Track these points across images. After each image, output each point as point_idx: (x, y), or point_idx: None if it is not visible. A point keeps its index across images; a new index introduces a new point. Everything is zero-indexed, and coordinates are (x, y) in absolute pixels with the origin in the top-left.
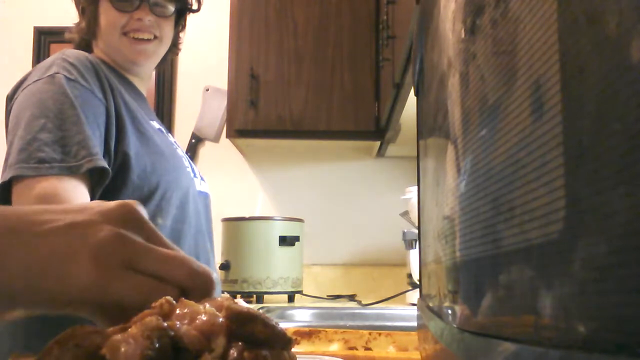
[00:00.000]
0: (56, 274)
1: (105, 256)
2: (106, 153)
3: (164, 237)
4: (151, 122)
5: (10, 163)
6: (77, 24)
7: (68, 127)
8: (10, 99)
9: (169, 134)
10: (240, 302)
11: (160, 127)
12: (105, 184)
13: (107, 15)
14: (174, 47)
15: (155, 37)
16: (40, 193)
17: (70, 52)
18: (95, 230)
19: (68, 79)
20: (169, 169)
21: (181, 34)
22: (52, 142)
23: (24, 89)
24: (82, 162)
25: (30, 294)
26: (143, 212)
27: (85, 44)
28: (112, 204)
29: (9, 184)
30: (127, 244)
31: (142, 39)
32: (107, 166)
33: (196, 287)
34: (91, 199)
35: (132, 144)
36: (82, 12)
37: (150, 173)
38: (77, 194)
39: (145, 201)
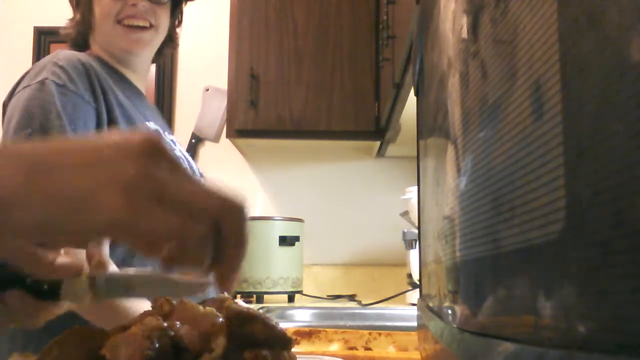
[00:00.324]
0: (86, 205)
1: (136, 190)
2: None
3: (185, 168)
4: (148, 123)
5: None
6: (72, 19)
7: (55, 134)
8: (5, 105)
9: (169, 134)
10: (240, 302)
11: (157, 128)
12: None
13: (101, 3)
14: (171, 41)
15: (151, 25)
16: None
17: (63, 55)
18: (122, 168)
19: (57, 84)
20: None
21: (178, 30)
22: None
23: (16, 94)
24: None
25: (63, 222)
26: (166, 145)
27: (82, 39)
28: (135, 138)
29: None
30: (155, 181)
31: (137, 27)
32: None
33: (227, 217)
34: None
35: None
36: (76, 4)
37: None
38: None
39: None
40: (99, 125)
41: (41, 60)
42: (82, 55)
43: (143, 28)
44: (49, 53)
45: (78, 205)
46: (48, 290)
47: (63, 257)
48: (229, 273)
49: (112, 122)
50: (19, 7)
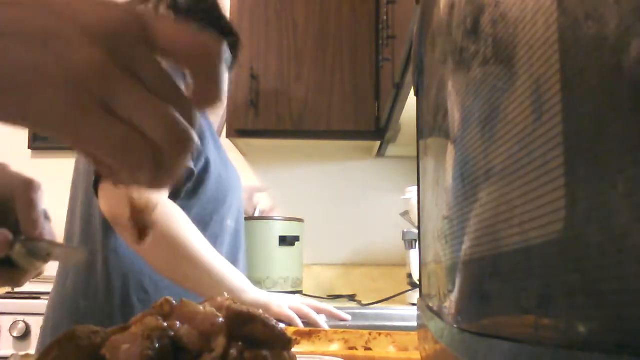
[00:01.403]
0: (24, 91)
1: (80, 89)
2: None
3: (161, 65)
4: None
5: None
6: None
7: None
8: None
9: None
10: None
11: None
12: (189, 184)
13: None
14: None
15: None
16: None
17: None
18: (74, 48)
19: None
20: (234, 175)
21: None
22: None
23: None
24: None
25: None
26: (136, 19)
27: None
28: (109, 15)
29: None
30: (106, 77)
31: None
32: (192, 166)
33: (171, 146)
34: (176, 198)
35: (211, 150)
36: None
37: (224, 178)
38: (162, 199)
39: (220, 204)
40: None
41: None
42: None
43: None
44: None
45: (13, 88)
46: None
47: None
48: (207, 90)
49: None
50: None
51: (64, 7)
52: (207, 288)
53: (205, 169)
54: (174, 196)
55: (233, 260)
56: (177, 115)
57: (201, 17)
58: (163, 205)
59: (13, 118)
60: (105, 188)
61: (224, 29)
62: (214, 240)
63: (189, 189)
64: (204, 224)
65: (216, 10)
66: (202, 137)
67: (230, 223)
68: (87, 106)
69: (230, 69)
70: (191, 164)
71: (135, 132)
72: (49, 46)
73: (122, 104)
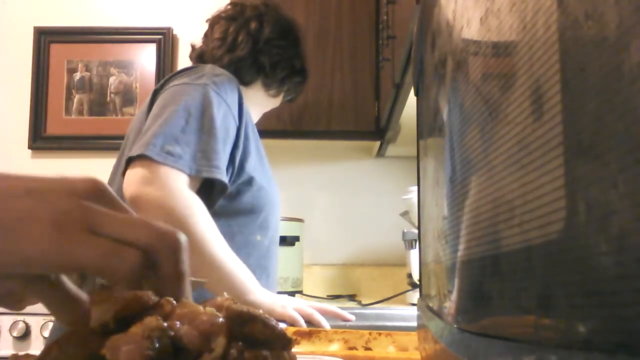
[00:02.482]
0: (13, 234)
1: (66, 221)
2: (230, 168)
3: (130, 210)
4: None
5: (142, 143)
6: (237, 49)
7: (202, 136)
8: (157, 92)
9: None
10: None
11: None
12: (224, 195)
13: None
14: None
15: None
16: (156, 176)
17: (221, 71)
18: (56, 198)
19: (216, 93)
20: (273, 192)
21: None
22: (184, 143)
23: (173, 85)
24: (201, 168)
25: None
26: (108, 187)
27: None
28: (76, 178)
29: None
30: (88, 211)
31: None
32: (222, 179)
33: (161, 248)
34: (210, 207)
35: (254, 166)
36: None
37: (264, 194)
38: (184, 189)
39: (252, 219)
40: (236, 142)
41: (198, 68)
42: (234, 78)
43: None
44: (49, 53)
45: (5, 233)
46: None
47: None
48: None
49: (246, 141)
50: (19, 7)
51: (44, 176)
52: (213, 285)
53: (245, 183)
54: (206, 206)
55: (259, 276)
56: (160, 223)
57: (276, 52)
58: (185, 194)
59: (10, 261)
60: (135, 166)
61: (293, 68)
62: (237, 251)
63: (224, 202)
64: (230, 234)
65: (294, 48)
66: (245, 151)
67: (260, 239)
68: (73, 231)
69: (290, 101)
70: (225, 179)
71: (125, 245)
72: (34, 199)
73: (107, 226)
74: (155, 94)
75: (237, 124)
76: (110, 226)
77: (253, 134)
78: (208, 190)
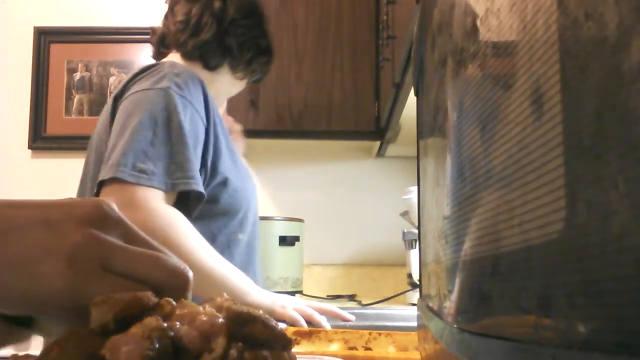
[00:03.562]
0: (28, 273)
1: (80, 258)
2: (203, 172)
3: (141, 233)
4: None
5: (112, 163)
6: (200, 31)
7: (172, 146)
8: (117, 98)
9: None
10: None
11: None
12: (201, 204)
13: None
14: None
15: None
16: (131, 199)
17: (182, 68)
18: (69, 231)
19: (180, 96)
20: (250, 188)
21: None
22: (155, 157)
23: (134, 93)
24: (177, 182)
25: (1, 291)
26: (116, 209)
27: (193, 55)
28: (86, 203)
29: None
30: (101, 245)
31: None
32: (199, 189)
33: (171, 290)
34: (189, 215)
35: (227, 165)
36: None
37: (240, 193)
38: (162, 207)
39: (231, 218)
40: (206, 143)
41: (157, 66)
42: (196, 73)
43: None
44: (49, 53)
45: (19, 273)
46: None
47: None
48: None
49: (216, 141)
50: (19, 7)
51: (55, 202)
52: (208, 292)
53: (220, 184)
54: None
55: (245, 272)
56: (170, 259)
57: (242, 32)
58: (163, 212)
59: (24, 300)
60: (108, 191)
61: (259, 48)
62: (221, 252)
63: (201, 208)
64: (212, 236)
65: (259, 27)
66: (217, 151)
67: (242, 237)
68: (87, 269)
69: (257, 81)
70: (201, 188)
71: (137, 284)
72: (47, 232)
73: (120, 263)
74: (116, 100)
75: (206, 124)
76: (122, 262)
77: (222, 130)
78: (184, 197)
